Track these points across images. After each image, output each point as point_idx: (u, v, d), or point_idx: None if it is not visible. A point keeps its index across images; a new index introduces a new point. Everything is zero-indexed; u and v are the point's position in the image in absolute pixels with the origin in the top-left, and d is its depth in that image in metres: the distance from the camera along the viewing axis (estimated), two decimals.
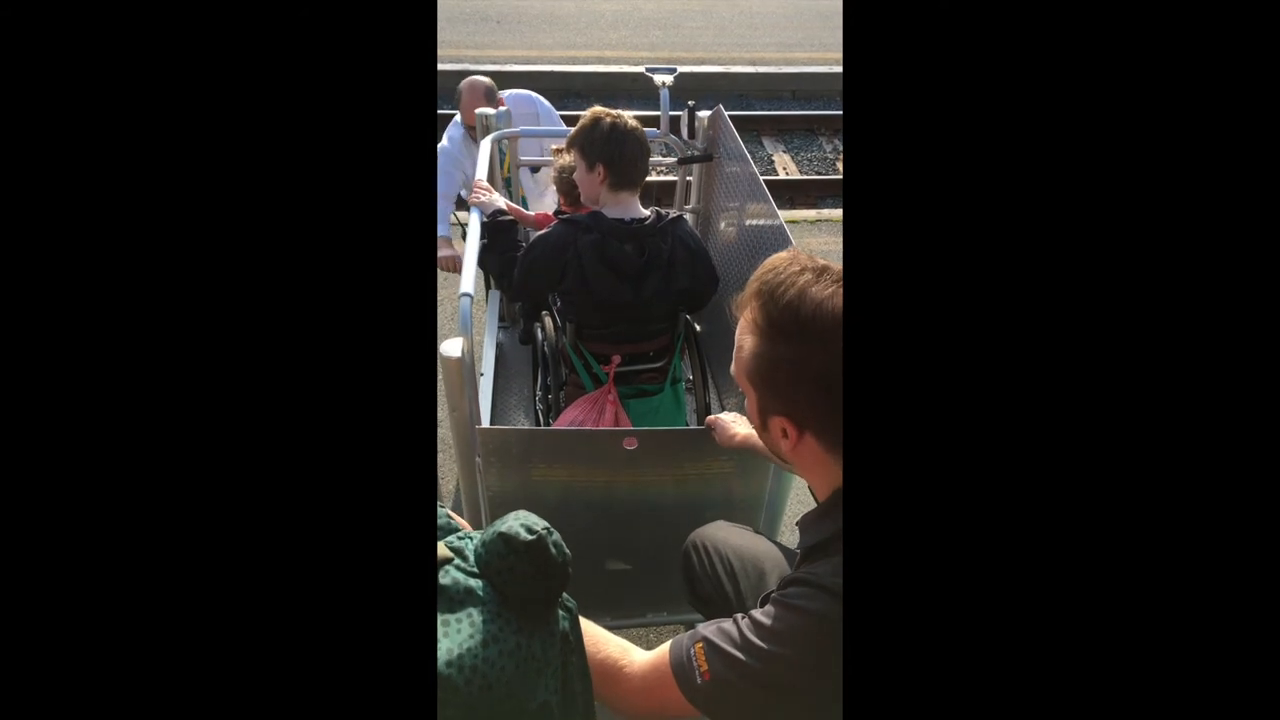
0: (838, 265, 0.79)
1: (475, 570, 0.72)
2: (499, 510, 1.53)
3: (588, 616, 1.93)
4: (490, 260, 1.91)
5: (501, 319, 2.52)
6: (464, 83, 2.63)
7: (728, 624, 0.79)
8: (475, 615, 0.69)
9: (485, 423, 1.85)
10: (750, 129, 5.74)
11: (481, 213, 1.82)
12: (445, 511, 0.80)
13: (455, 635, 0.67)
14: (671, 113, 2.23)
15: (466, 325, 1.44)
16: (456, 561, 0.73)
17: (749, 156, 1.95)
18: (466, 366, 1.35)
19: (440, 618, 0.67)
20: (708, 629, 0.79)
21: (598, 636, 0.85)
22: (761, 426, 0.83)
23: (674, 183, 2.40)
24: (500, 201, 1.91)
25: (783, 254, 0.82)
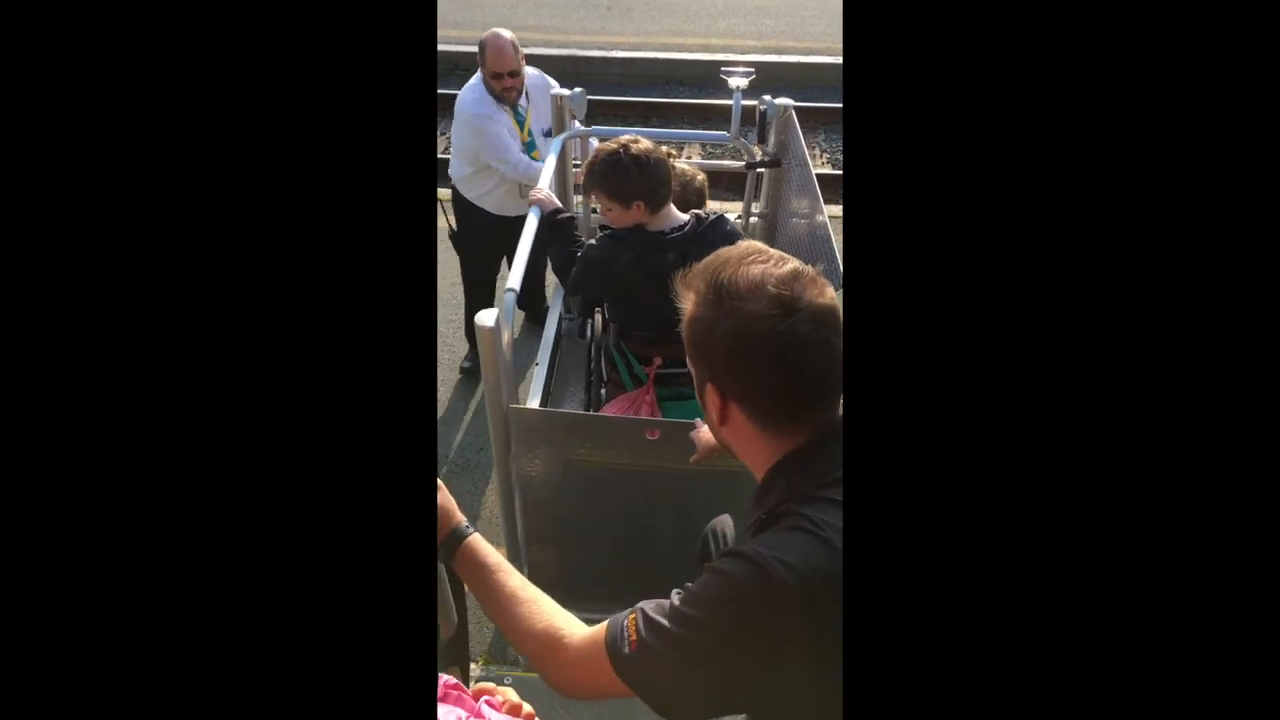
0: (782, 254, 0.83)
1: None
2: (529, 488, 1.60)
3: (604, 610, 1.97)
4: (551, 254, 1.97)
5: (567, 310, 2.59)
6: (489, 34, 2.50)
7: (665, 599, 0.79)
8: None
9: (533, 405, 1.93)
10: None
11: (541, 210, 1.88)
12: None
13: None
14: (745, 102, 2.21)
15: (509, 318, 1.51)
16: None
17: (809, 161, 1.93)
18: (500, 339, 1.41)
19: None
20: (647, 603, 0.80)
21: (545, 607, 0.86)
22: (700, 398, 0.86)
23: (741, 173, 2.38)
24: (557, 200, 1.96)
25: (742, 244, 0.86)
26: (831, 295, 0.80)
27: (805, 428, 0.81)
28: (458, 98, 2.61)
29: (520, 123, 2.63)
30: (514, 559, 1.80)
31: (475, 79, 2.61)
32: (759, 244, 0.85)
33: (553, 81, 2.68)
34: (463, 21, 6.75)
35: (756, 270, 0.80)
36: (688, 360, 0.87)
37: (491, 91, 2.54)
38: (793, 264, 0.82)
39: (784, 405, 0.81)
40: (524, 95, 2.60)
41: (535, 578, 1.77)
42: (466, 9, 7.10)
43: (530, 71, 2.64)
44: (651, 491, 1.57)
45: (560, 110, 2.28)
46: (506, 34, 2.49)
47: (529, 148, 2.64)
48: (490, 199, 2.74)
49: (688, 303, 0.84)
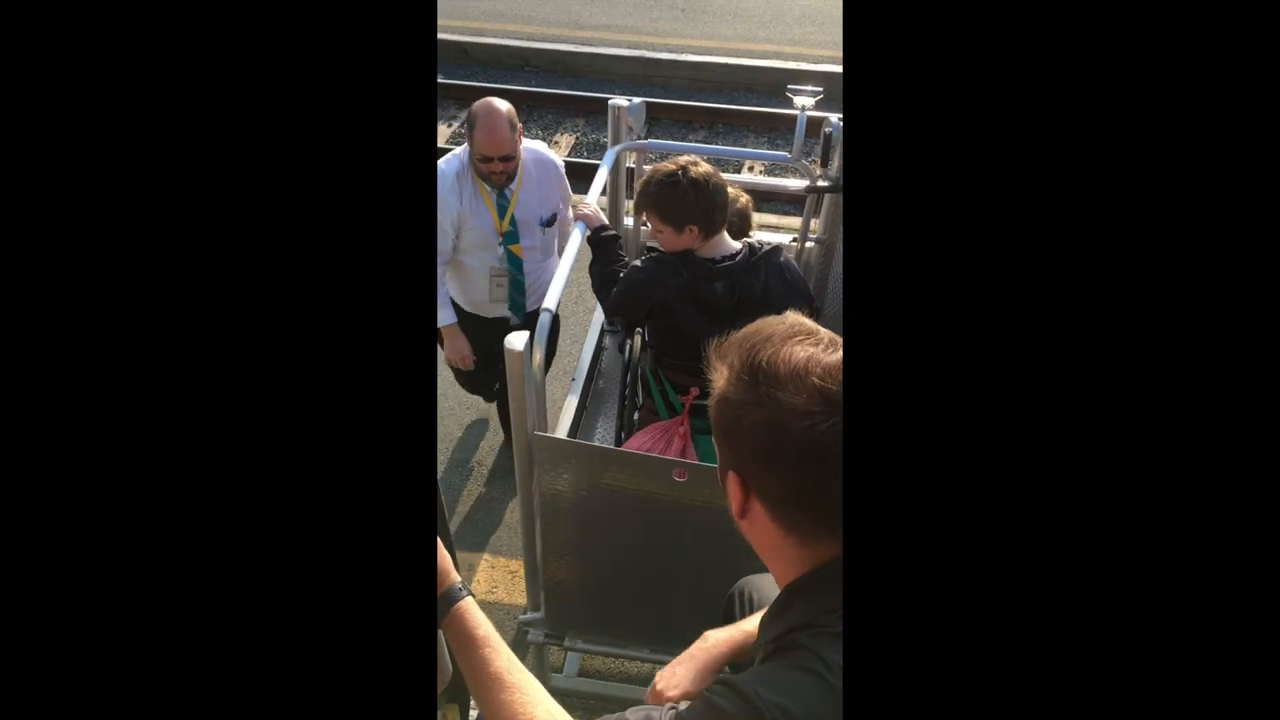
0: (833, 336, 0.76)
1: None
2: (550, 510, 1.56)
3: (626, 644, 1.90)
4: (592, 272, 1.93)
5: (611, 323, 2.54)
6: (482, 106, 2.00)
7: (656, 713, 0.75)
8: None
9: (564, 426, 1.89)
10: None
11: (585, 227, 1.84)
12: None
13: None
14: (811, 111, 2.13)
15: (542, 340, 1.47)
16: None
17: None
18: (529, 364, 1.38)
19: None
20: (635, 713, 0.76)
21: (530, 696, 0.82)
22: (721, 481, 0.80)
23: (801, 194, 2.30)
24: (604, 217, 1.91)
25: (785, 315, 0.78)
26: None
27: (837, 542, 0.73)
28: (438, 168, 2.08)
29: (502, 210, 2.12)
30: (531, 571, 1.77)
31: (464, 150, 2.10)
32: (808, 322, 0.76)
33: (557, 159, 2.24)
34: (536, 17, 6.77)
35: (801, 354, 0.71)
36: (713, 438, 0.80)
37: (477, 171, 2.07)
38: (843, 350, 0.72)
39: (817, 515, 0.73)
40: (515, 178, 2.11)
41: (551, 595, 1.75)
42: (541, 4, 7.11)
43: (533, 147, 2.18)
44: (676, 520, 1.52)
45: (618, 122, 2.23)
46: (503, 106, 1.99)
47: (508, 239, 2.15)
48: (460, 292, 2.29)
49: (718, 377, 0.77)
